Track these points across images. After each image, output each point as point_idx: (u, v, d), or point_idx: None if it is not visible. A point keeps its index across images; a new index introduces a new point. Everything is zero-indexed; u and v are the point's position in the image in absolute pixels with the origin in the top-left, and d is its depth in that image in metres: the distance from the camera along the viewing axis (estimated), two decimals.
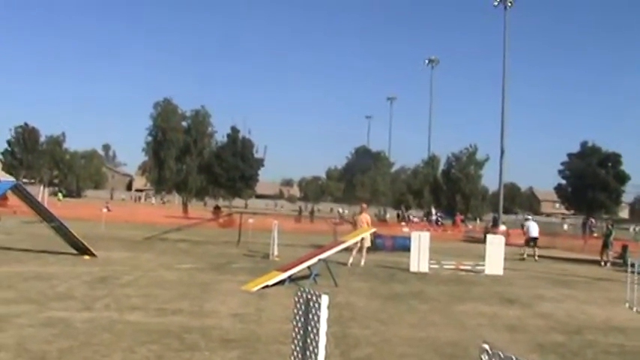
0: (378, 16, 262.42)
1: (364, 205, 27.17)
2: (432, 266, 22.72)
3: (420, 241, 22.63)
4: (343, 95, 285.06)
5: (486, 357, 4.08)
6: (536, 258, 30.61)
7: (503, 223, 55.56)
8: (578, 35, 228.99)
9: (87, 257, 20.70)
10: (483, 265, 23.03)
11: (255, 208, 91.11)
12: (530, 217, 39.55)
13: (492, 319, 13.36)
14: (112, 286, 14.96)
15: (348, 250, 22.24)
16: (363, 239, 22.88)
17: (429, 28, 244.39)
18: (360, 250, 23.41)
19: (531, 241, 31.54)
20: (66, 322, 10.39)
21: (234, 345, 9.60)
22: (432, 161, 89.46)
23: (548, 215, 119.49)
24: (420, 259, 22.40)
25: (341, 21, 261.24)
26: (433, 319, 13.04)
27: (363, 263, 22.99)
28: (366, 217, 24.95)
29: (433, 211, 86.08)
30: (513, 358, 3.86)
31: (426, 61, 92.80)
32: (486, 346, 4.11)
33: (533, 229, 31.72)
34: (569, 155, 77.93)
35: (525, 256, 30.88)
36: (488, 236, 25.00)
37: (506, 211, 74.69)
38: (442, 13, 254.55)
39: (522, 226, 35.21)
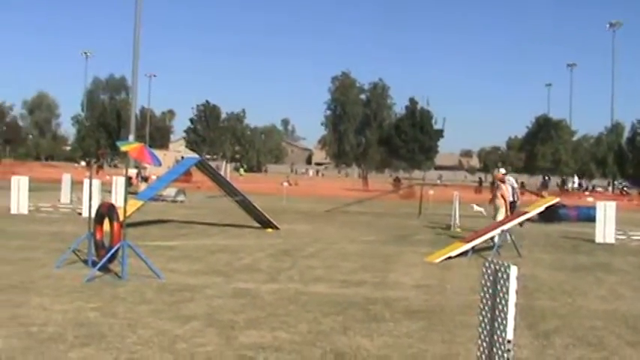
0: None
1: (501, 173, 21.06)
2: (618, 237, 21.74)
3: (606, 211, 21.59)
4: (523, 63, 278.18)
5: None
6: None
7: None
8: None
9: (270, 230, 21.13)
10: None
11: (435, 179, 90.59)
12: None
13: None
14: (295, 258, 15.15)
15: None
16: (497, 213, 19.86)
17: None
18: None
19: None
20: (252, 294, 10.57)
21: (420, 316, 9.43)
22: (616, 129, 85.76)
23: None
24: (605, 230, 21.39)
25: None
26: (622, 291, 12.36)
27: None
28: (507, 188, 20.66)
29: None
30: None
31: (607, 25, 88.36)
32: None
33: None
34: None
35: None
36: None
37: None
38: None
39: None
